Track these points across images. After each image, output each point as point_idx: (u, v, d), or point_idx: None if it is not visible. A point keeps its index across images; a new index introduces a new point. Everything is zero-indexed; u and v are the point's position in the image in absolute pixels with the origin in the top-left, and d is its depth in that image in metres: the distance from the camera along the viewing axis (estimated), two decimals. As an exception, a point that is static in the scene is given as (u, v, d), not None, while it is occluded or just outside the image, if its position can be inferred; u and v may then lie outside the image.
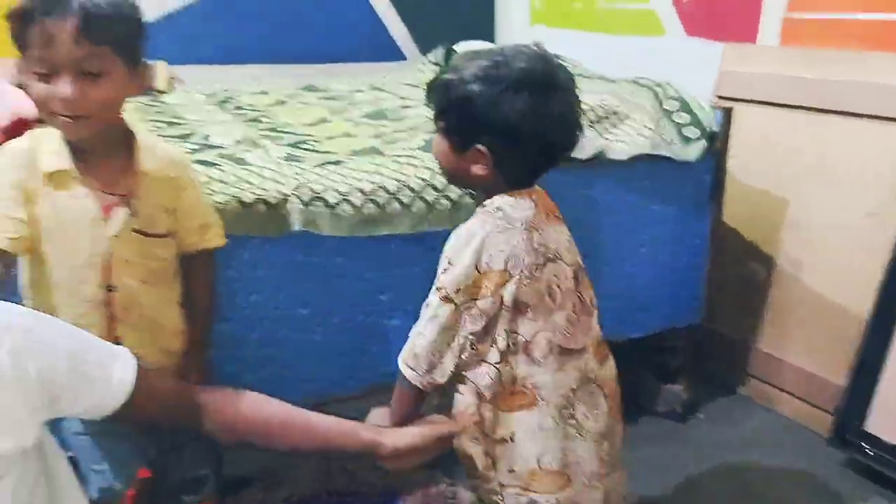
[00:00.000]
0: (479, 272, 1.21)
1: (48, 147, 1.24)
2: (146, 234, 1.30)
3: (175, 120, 2.28)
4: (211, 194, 1.53)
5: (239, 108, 2.50)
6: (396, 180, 1.68)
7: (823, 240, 2.26)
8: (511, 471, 1.28)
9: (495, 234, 1.22)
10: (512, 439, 1.27)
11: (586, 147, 1.89)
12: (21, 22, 1.13)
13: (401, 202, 1.67)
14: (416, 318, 1.81)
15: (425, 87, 1.28)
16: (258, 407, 1.27)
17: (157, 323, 1.37)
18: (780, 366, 2.40)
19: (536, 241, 1.25)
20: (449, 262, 1.24)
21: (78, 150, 1.25)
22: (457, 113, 1.22)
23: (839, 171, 2.18)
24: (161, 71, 2.95)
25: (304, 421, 1.30)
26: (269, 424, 1.27)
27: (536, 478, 1.28)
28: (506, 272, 1.22)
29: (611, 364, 1.42)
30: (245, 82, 3.08)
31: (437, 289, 1.25)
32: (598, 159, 1.94)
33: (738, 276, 2.50)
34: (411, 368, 1.28)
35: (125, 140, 1.29)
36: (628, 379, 2.43)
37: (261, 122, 2.23)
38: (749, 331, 2.50)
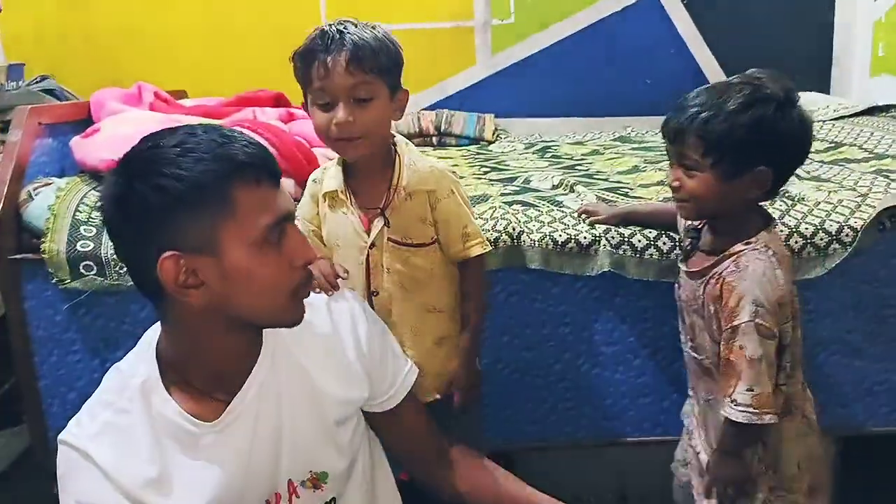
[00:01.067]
0: (781, 305, 1.30)
1: (329, 173, 1.47)
2: (400, 244, 1.42)
3: (499, 166, 2.52)
4: (529, 233, 1.67)
5: (556, 156, 2.68)
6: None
7: None
8: (775, 472, 1.39)
9: (776, 272, 1.30)
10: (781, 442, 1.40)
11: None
12: (305, 60, 1.34)
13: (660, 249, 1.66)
14: (640, 372, 1.78)
15: (672, 129, 1.34)
16: (501, 483, 1.29)
17: (415, 327, 1.46)
18: None
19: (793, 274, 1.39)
20: (757, 305, 1.28)
21: (353, 171, 1.43)
22: (736, 141, 1.26)
23: None
24: (489, 123, 3.28)
25: None
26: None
27: (798, 479, 1.39)
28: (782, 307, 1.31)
29: None
30: (563, 134, 3.28)
31: (758, 335, 1.29)
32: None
33: None
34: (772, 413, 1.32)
35: (392, 160, 1.43)
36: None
37: (576, 169, 2.37)
38: None
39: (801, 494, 1.39)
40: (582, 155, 2.69)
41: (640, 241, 1.66)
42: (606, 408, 1.83)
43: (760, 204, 1.39)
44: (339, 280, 1.28)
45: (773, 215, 1.46)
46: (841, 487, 1.90)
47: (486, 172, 2.39)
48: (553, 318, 1.74)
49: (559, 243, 1.66)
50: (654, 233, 1.67)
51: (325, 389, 1.14)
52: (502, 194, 1.93)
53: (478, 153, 2.92)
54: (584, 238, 1.67)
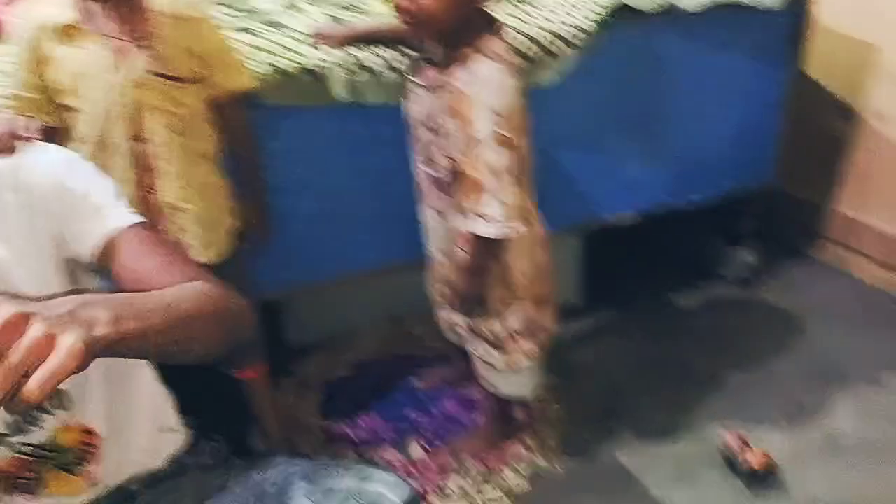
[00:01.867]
0: (510, 112, 1.25)
1: (45, 4, 1.21)
2: (168, 77, 1.25)
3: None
4: (251, 65, 1.47)
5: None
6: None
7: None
8: (506, 288, 1.44)
9: (507, 78, 1.25)
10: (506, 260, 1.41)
11: (655, -3, 1.72)
12: None
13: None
14: None
15: None
16: None
17: (189, 174, 1.34)
18: (860, 229, 2.27)
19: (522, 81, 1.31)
20: (497, 113, 1.23)
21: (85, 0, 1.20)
22: None
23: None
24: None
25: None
26: None
27: (525, 288, 1.44)
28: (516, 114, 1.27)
29: None
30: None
31: (497, 143, 1.24)
32: (669, 11, 1.77)
33: (818, 132, 2.32)
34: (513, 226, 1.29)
35: None
36: (696, 243, 2.39)
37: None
38: (826, 192, 2.35)
39: (530, 302, 1.46)
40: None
41: (375, 62, 1.53)
42: (377, 236, 1.79)
43: (485, 6, 1.30)
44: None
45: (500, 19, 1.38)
46: (588, 280, 2.07)
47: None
48: (293, 157, 1.60)
49: (288, 73, 1.48)
50: (389, 52, 1.55)
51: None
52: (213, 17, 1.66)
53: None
54: (316, 64, 1.51)
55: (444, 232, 1.46)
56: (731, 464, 1.67)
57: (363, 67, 1.53)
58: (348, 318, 2.12)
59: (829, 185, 2.34)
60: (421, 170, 1.44)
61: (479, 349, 1.54)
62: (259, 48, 1.51)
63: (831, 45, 2.19)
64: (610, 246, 2.14)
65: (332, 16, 1.69)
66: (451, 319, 1.60)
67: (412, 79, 1.38)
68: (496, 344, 1.50)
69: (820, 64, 2.22)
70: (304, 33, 1.58)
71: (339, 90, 1.52)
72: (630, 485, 1.67)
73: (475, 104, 1.23)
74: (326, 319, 2.10)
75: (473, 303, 1.43)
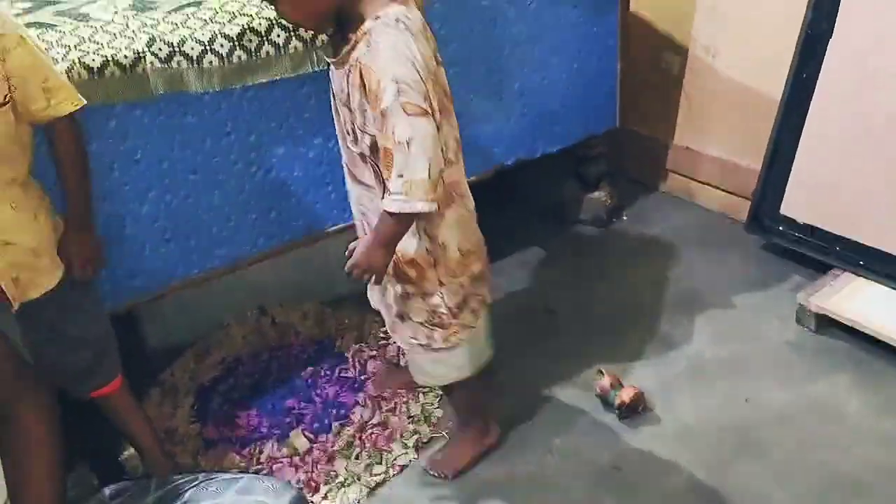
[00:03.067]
0: (421, 78, 1.18)
1: None
2: None
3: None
4: (54, 62, 1.33)
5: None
6: (265, 19, 1.49)
7: (737, 21, 2.17)
8: (442, 266, 1.38)
9: (412, 44, 1.19)
10: (440, 236, 1.36)
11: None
12: None
13: (274, 44, 1.50)
14: (321, 165, 1.73)
15: None
16: None
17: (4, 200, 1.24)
18: (698, 158, 2.39)
19: (431, 47, 1.25)
20: (398, 82, 1.16)
21: None
22: None
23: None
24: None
25: None
26: None
27: (458, 263, 1.39)
28: (429, 80, 1.20)
29: None
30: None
31: (405, 113, 1.17)
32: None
33: (651, 69, 2.41)
34: (431, 200, 1.22)
35: None
36: (553, 191, 2.44)
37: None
38: (665, 125, 2.46)
39: (466, 278, 1.43)
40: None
41: (193, 48, 1.43)
42: (294, 207, 1.73)
43: None
44: None
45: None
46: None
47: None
48: (121, 158, 1.49)
49: (95, 70, 1.36)
50: (209, 34, 1.45)
51: None
52: (16, 15, 1.50)
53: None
54: (125, 57, 1.39)
55: (374, 208, 1.37)
56: (606, 402, 1.74)
57: (180, 53, 1.43)
58: (213, 316, 2.03)
59: (668, 119, 2.44)
60: (343, 146, 1.38)
61: (410, 334, 1.47)
62: (60, 44, 1.38)
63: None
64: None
65: (136, 4, 1.56)
66: (380, 304, 1.54)
67: (327, 58, 1.33)
68: (434, 322, 1.44)
69: (647, 3, 2.29)
70: (112, 21, 1.45)
71: (155, 81, 1.41)
72: (514, 437, 1.70)
73: (378, 75, 1.17)
74: (190, 320, 2.00)
75: (377, 276, 1.35)
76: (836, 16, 1.87)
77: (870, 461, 1.56)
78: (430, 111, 1.19)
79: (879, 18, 1.81)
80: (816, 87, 1.94)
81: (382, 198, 1.25)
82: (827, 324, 1.87)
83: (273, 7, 1.25)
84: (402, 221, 1.27)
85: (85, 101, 1.28)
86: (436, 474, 1.63)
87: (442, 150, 1.23)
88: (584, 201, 2.40)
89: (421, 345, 1.47)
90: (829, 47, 1.90)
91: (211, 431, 1.77)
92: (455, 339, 1.46)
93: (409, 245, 1.35)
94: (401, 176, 1.19)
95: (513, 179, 2.13)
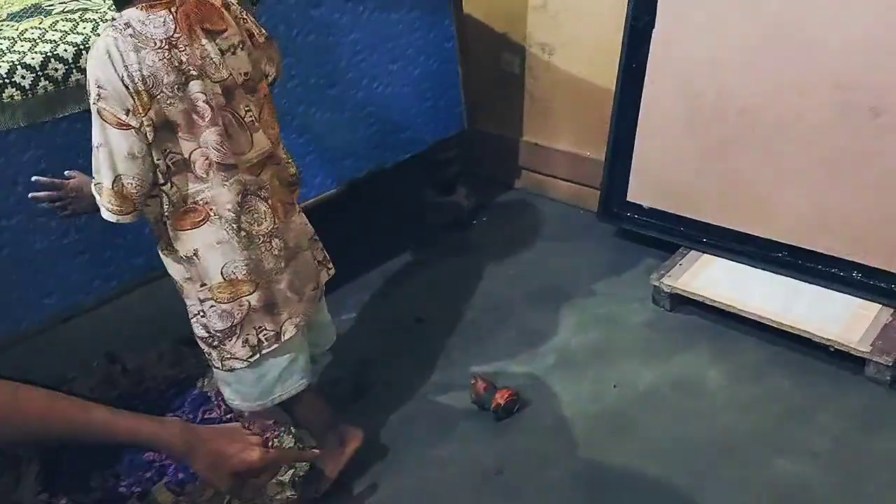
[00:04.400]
0: (128, 90, 1.16)
1: None
2: None
3: None
4: None
5: None
6: (72, 44, 1.37)
7: (568, 17, 2.23)
8: (203, 285, 1.34)
9: (129, 53, 1.16)
10: (196, 255, 1.32)
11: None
12: None
13: (84, 71, 1.37)
14: None
15: None
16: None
17: None
18: (547, 153, 2.45)
19: (176, 58, 1.19)
20: (99, 87, 1.16)
21: None
22: None
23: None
24: None
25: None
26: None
27: (223, 288, 1.34)
28: (147, 93, 1.17)
29: (274, 172, 1.40)
30: None
31: (101, 119, 1.17)
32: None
33: (494, 70, 2.44)
34: (113, 212, 1.22)
35: None
36: (411, 198, 2.42)
37: None
38: (513, 124, 2.50)
39: (236, 305, 1.36)
40: None
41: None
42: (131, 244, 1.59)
43: None
44: None
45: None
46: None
47: None
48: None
49: None
50: (7, 66, 1.31)
51: None
52: None
53: None
54: None
55: None
56: (483, 406, 1.73)
57: (-24, 89, 1.28)
58: (53, 371, 1.85)
59: (515, 118, 2.49)
60: None
61: (206, 352, 1.44)
62: None
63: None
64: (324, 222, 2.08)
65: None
66: None
67: None
68: (207, 340, 1.41)
69: (479, 5, 2.32)
70: None
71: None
72: (393, 452, 1.66)
73: (87, 76, 1.18)
74: (27, 379, 1.81)
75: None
76: (655, 7, 1.96)
77: (732, 427, 1.63)
78: (127, 124, 1.18)
79: (697, 6, 1.90)
80: (646, 77, 2.03)
81: None
82: (680, 302, 1.95)
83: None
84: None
85: None
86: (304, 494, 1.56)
87: (170, 167, 1.24)
88: (443, 205, 2.40)
89: (207, 358, 1.45)
90: (653, 37, 1.99)
91: (62, 501, 1.61)
92: (229, 364, 1.41)
93: (172, 253, 1.35)
94: (95, 182, 1.22)
95: (368, 191, 2.09)
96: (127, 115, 1.17)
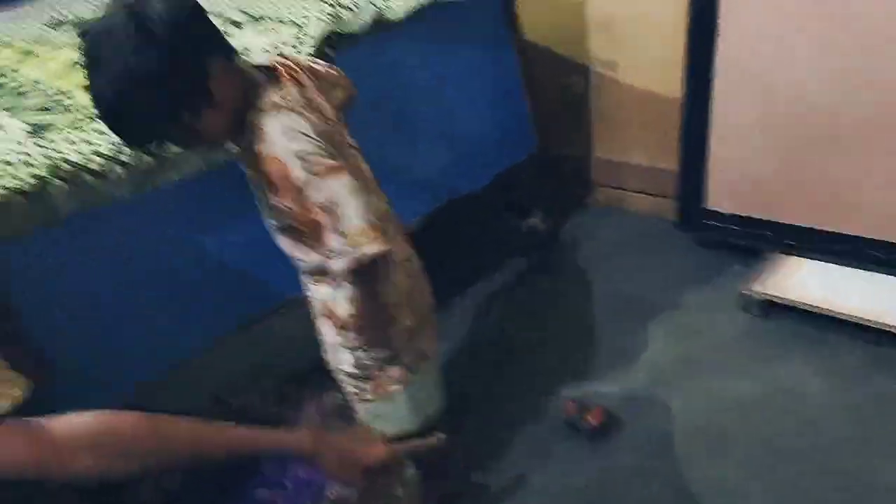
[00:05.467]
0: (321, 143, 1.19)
1: None
2: None
3: None
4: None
5: (-25, 72, 2.15)
6: (166, 119, 1.48)
7: (629, 32, 2.24)
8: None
9: (298, 119, 1.19)
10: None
11: (360, 16, 1.72)
12: None
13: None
14: (256, 245, 1.71)
15: None
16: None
17: None
18: (620, 168, 2.45)
19: (317, 108, 1.27)
20: (299, 157, 1.16)
21: None
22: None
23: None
24: None
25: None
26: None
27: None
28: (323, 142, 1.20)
29: None
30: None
31: (317, 176, 1.17)
32: (381, 24, 1.78)
33: (560, 91, 2.47)
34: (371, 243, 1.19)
35: None
36: (489, 225, 2.46)
37: (2, 87, 1.92)
38: (584, 142, 2.51)
39: (394, 330, 1.40)
40: (8, 63, 2.20)
41: (100, 164, 1.42)
42: (238, 292, 1.70)
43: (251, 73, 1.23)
44: None
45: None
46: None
47: None
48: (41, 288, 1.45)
49: (-3, 203, 1.33)
50: (112, 147, 1.44)
51: None
52: None
53: None
54: (29, 184, 1.36)
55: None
56: (576, 428, 1.74)
57: (85, 170, 1.41)
58: (167, 409, 1.98)
59: (585, 136, 2.50)
60: (269, 223, 1.35)
61: (346, 384, 1.47)
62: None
63: (543, 9, 2.32)
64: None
65: (33, 123, 1.54)
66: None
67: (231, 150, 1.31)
68: (361, 375, 1.43)
69: (540, 30, 2.36)
70: (10, 152, 1.43)
71: (65, 204, 1.39)
72: (490, 479, 1.69)
73: (281, 157, 1.17)
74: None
75: (377, 332, 1.36)
76: (716, 14, 1.94)
77: (838, 435, 1.58)
78: (338, 165, 1.19)
79: (761, 10, 1.88)
80: (714, 82, 2.01)
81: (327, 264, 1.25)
82: (772, 308, 1.91)
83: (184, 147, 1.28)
84: (361, 279, 1.24)
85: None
86: None
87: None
88: (520, 228, 2.43)
89: (355, 394, 1.46)
90: (717, 42, 1.97)
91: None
92: (388, 391, 1.44)
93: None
94: (338, 233, 1.19)
95: (446, 220, 2.14)
96: (330, 159, 1.18)
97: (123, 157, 1.44)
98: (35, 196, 1.37)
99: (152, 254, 1.58)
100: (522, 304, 2.23)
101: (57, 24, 2.51)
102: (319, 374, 1.82)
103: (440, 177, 2.08)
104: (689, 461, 1.61)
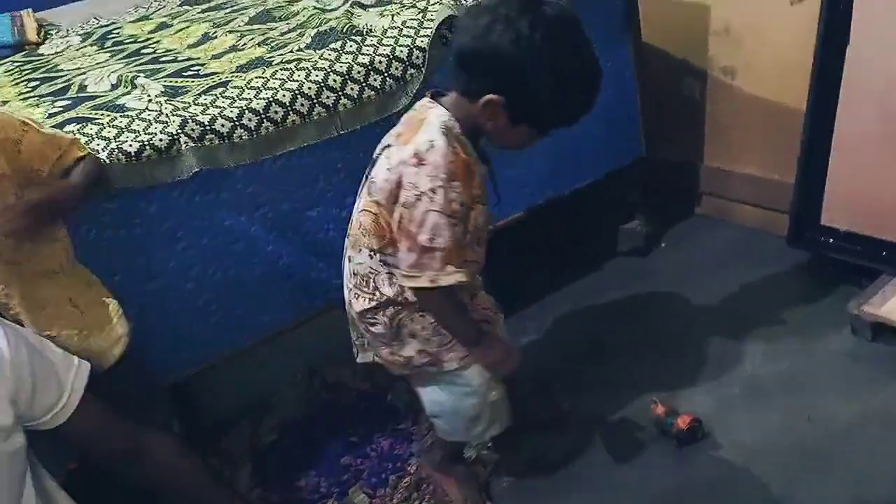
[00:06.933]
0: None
1: None
2: None
3: (51, 73, 2.10)
4: (96, 153, 1.41)
5: (119, 42, 2.32)
6: (289, 90, 1.56)
7: (751, 39, 2.18)
8: None
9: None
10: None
11: (482, 3, 1.75)
12: None
13: (299, 113, 1.56)
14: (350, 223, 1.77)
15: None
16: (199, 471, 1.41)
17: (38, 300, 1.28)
18: (730, 177, 2.38)
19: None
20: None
21: None
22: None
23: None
24: (28, 20, 2.71)
25: None
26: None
27: None
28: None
29: None
30: (125, 10, 2.85)
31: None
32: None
33: (673, 95, 2.42)
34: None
35: None
36: (589, 226, 2.44)
37: (142, 54, 2.07)
38: (694, 149, 2.46)
39: None
40: (149, 33, 2.36)
41: (223, 125, 1.50)
42: (334, 267, 1.70)
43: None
44: None
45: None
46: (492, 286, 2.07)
47: (36, 86, 1.98)
48: (162, 239, 1.55)
49: (133, 155, 1.43)
50: (237, 111, 1.53)
51: None
52: (50, 115, 1.60)
53: (24, 62, 2.42)
54: (161, 140, 1.46)
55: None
56: (664, 431, 1.71)
57: (212, 131, 1.50)
58: (263, 382, 2.07)
59: (696, 143, 2.44)
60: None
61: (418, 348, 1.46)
62: (100, 135, 1.46)
63: (664, 11, 2.29)
64: (505, 246, 2.16)
65: (170, 85, 1.65)
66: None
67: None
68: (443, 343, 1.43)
69: (660, 32, 2.32)
70: (146, 109, 1.54)
71: (190, 160, 1.48)
72: (572, 475, 1.68)
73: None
74: (242, 388, 2.04)
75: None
76: (849, 24, 1.87)
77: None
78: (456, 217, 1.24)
79: (892, 22, 1.79)
80: (840, 94, 1.93)
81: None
82: (882, 331, 1.81)
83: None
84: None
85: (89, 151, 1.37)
86: None
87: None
88: (621, 232, 2.40)
89: (428, 362, 1.44)
90: (847, 54, 1.89)
91: (271, 497, 1.79)
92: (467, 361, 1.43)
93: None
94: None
95: (547, 217, 2.14)
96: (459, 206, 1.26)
97: (245, 121, 1.52)
98: (166, 151, 1.47)
99: (262, 220, 1.65)
100: (617, 305, 2.20)
101: (192, 2, 2.66)
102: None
103: (544, 172, 2.08)
104: (782, 481, 1.55)
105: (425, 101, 1.31)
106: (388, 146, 1.31)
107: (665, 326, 2.07)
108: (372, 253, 1.33)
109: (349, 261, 1.41)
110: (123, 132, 1.47)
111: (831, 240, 2.04)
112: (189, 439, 1.60)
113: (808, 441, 1.63)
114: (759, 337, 1.95)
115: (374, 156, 1.35)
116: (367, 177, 1.35)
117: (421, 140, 1.21)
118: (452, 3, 1.71)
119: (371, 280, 1.36)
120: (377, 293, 1.36)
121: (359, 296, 1.38)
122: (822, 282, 2.06)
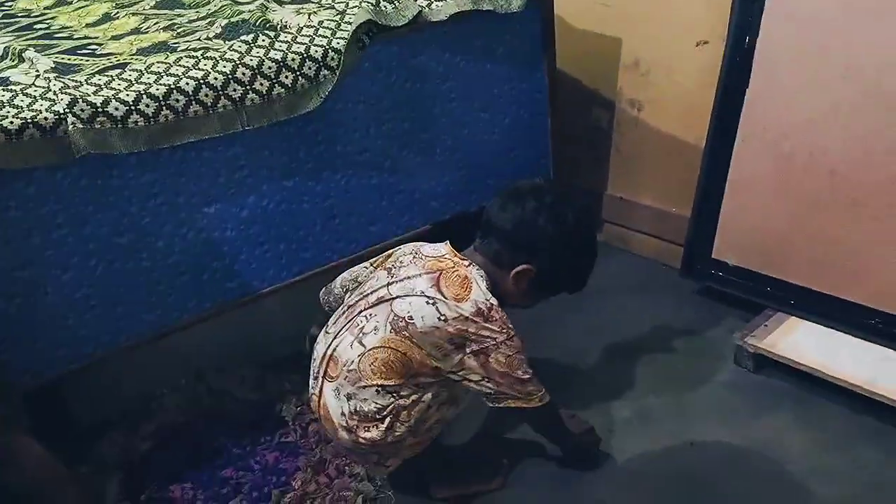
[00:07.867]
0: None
1: None
2: None
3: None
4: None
5: (9, 15, 2.16)
6: (193, 79, 1.49)
7: (659, 75, 2.26)
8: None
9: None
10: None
11: (403, 12, 1.73)
12: None
13: (202, 104, 1.49)
14: (255, 224, 1.70)
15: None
16: None
17: None
18: (632, 207, 2.45)
19: None
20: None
21: None
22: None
23: (670, 2, 2.15)
24: None
25: None
26: None
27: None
28: None
29: None
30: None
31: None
32: (419, 24, 1.79)
33: (582, 124, 2.48)
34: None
35: None
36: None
37: (34, 29, 1.93)
38: (599, 178, 2.52)
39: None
40: (44, 8, 2.21)
41: (117, 108, 1.41)
42: (227, 268, 1.70)
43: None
44: None
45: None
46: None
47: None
48: (40, 223, 1.43)
49: (13, 133, 1.32)
50: (133, 95, 1.44)
51: None
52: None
53: None
54: (45, 119, 1.35)
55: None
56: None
57: (104, 114, 1.40)
58: (144, 385, 1.95)
59: (601, 172, 2.50)
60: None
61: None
62: (-24, 108, 1.34)
63: (579, 41, 2.35)
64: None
65: (61, 62, 1.54)
66: None
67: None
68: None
69: (573, 60, 2.37)
70: (32, 85, 1.42)
71: (78, 143, 1.38)
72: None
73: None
74: (120, 391, 1.91)
75: None
76: (750, 69, 1.96)
77: (818, 496, 1.56)
78: None
79: (794, 72, 1.89)
80: (737, 135, 2.02)
81: None
82: (764, 363, 1.90)
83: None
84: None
85: None
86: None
87: None
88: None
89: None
90: (746, 97, 1.99)
91: (143, 509, 1.67)
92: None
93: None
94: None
95: (453, 233, 2.13)
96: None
97: (142, 106, 1.44)
98: (51, 131, 1.36)
99: (154, 212, 1.57)
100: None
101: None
102: (299, 365, 1.80)
103: (452, 188, 2.08)
104: (659, 501, 1.59)
105: (453, 255, 1.51)
106: (412, 287, 1.44)
107: (559, 349, 2.09)
108: (379, 389, 1.40)
109: (347, 398, 1.44)
110: (5, 106, 1.35)
111: (721, 273, 2.12)
112: (58, 444, 1.48)
113: (692, 467, 1.67)
114: (648, 364, 2.00)
115: (367, 290, 1.50)
116: (359, 311, 1.47)
117: (479, 300, 1.42)
118: (372, 7, 1.68)
119: (385, 414, 1.42)
120: (395, 423, 1.44)
121: (368, 429, 1.44)
122: (711, 313, 2.14)
